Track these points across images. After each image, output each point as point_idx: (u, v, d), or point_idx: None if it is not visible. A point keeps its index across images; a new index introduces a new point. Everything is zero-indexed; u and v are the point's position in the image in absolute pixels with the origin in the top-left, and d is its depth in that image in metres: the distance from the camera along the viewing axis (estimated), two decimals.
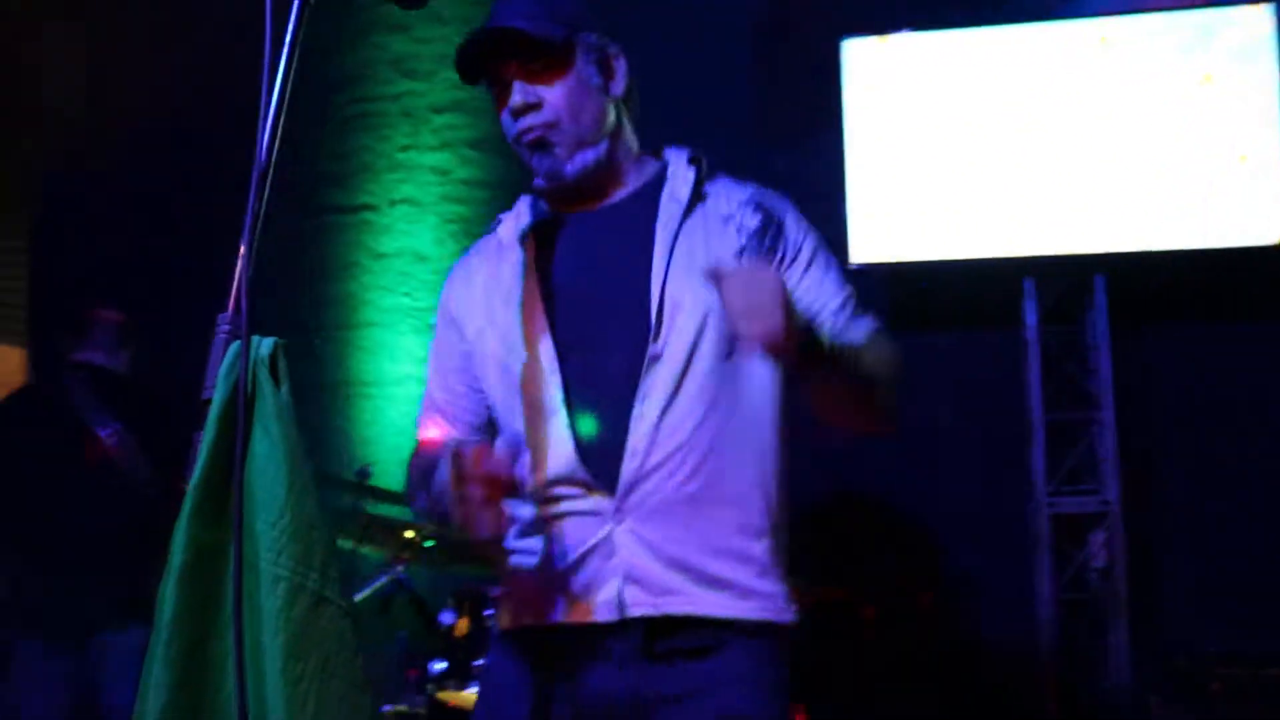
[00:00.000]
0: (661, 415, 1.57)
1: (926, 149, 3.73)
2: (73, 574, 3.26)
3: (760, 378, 1.65)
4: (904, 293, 3.92)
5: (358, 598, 3.24)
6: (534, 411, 1.63)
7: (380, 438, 4.61)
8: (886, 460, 3.65)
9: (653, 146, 1.82)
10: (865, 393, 1.66)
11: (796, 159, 3.85)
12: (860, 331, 1.70)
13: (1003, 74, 3.69)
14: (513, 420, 1.67)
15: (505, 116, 1.69)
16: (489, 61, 1.68)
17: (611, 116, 1.72)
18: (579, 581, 1.57)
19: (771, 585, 1.63)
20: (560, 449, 1.59)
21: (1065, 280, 3.72)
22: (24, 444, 3.39)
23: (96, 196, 5.10)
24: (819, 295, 1.70)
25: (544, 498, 1.60)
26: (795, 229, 1.74)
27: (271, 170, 1.25)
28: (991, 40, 3.74)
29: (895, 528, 3.85)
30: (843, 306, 1.71)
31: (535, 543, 1.60)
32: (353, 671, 1.19)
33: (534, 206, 1.79)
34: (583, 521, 1.58)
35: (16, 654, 3.31)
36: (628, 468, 1.56)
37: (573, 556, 1.57)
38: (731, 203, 1.74)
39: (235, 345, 1.21)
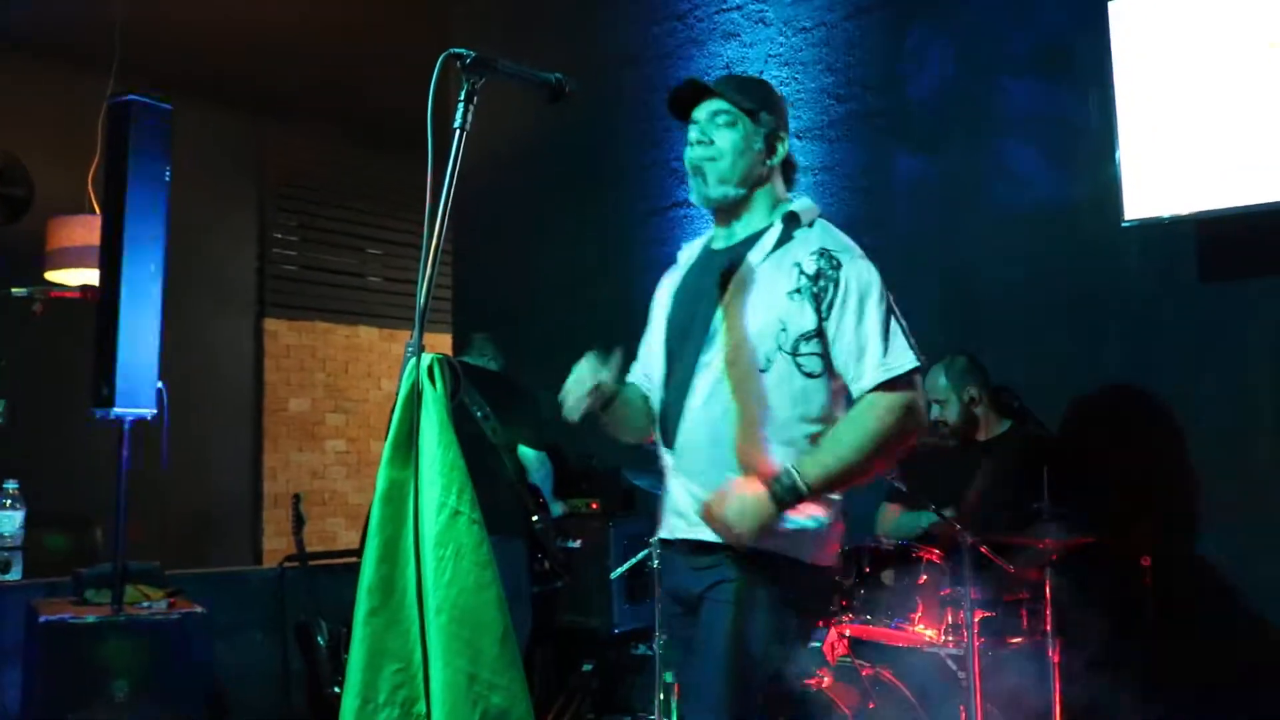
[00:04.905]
0: (701, 406, 2.24)
1: (1207, 78, 3.44)
2: None
3: (781, 389, 2.21)
4: (1195, 246, 3.66)
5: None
6: (653, 391, 2.40)
7: None
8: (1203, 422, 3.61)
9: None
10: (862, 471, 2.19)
11: (1057, 102, 3.93)
12: (869, 391, 2.16)
13: None
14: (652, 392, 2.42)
15: (688, 149, 2.34)
16: (689, 106, 2.36)
17: (758, 174, 2.33)
18: (663, 510, 2.33)
19: None
20: (656, 418, 2.37)
21: None
22: None
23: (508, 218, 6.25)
24: (853, 341, 2.19)
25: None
26: (849, 279, 2.19)
27: (438, 250, 2.01)
28: None
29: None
30: (882, 353, 2.16)
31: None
32: (478, 556, 1.94)
33: (706, 240, 2.47)
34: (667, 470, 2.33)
35: None
36: (679, 440, 2.28)
37: (664, 493, 2.32)
38: (806, 249, 2.25)
39: (410, 361, 2.00)
